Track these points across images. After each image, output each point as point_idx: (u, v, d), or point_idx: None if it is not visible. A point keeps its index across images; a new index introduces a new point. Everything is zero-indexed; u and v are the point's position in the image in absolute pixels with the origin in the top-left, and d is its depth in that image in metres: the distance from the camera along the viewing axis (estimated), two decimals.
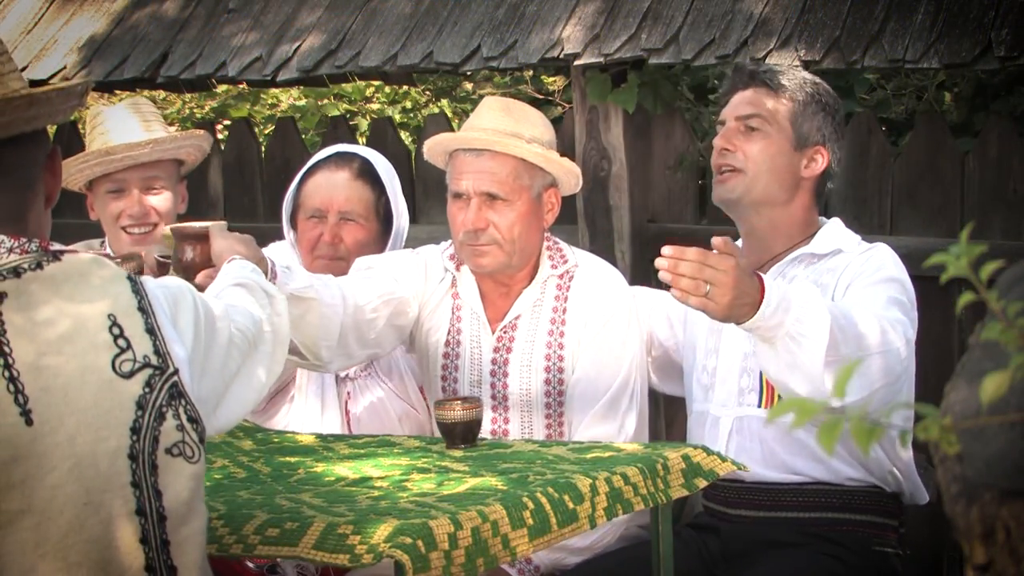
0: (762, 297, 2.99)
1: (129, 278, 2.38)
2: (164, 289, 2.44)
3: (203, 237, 3.15)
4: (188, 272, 3.11)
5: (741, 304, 2.98)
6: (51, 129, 5.84)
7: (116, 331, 2.31)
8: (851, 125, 5.03)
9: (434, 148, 3.58)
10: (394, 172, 3.88)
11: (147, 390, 2.32)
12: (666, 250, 2.98)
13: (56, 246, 2.37)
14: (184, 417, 2.36)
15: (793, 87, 3.52)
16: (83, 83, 2.47)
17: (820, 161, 3.52)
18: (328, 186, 3.79)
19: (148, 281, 2.43)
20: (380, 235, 3.82)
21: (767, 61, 4.50)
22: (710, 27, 4.69)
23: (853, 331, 3.09)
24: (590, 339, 3.55)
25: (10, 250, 2.31)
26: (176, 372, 2.36)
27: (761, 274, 3.05)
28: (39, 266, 2.31)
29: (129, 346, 2.32)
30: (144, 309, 2.35)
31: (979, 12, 4.40)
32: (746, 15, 4.67)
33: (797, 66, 4.13)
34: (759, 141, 3.50)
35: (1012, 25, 4.32)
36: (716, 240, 3.00)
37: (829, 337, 3.01)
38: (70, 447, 2.26)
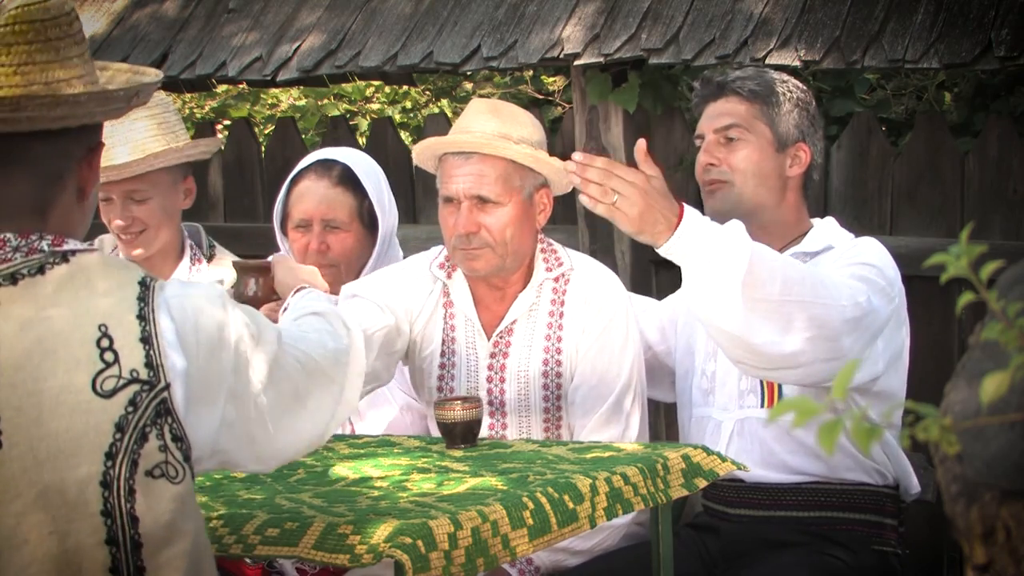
0: (679, 222, 3.00)
1: (140, 283, 2.25)
2: (185, 298, 2.28)
3: (265, 270, 3.19)
4: (251, 306, 3.09)
5: (654, 221, 2.99)
6: None
7: (105, 343, 2.20)
8: (851, 125, 5.03)
9: (423, 152, 3.55)
10: (380, 173, 3.86)
11: (130, 409, 2.20)
12: (576, 155, 3.01)
13: (70, 244, 2.24)
14: (168, 436, 2.23)
15: (764, 90, 3.50)
16: (126, 89, 2.30)
17: (803, 158, 3.51)
18: (309, 196, 3.79)
19: (170, 287, 2.29)
20: (367, 239, 3.82)
21: (767, 61, 4.51)
22: (710, 27, 4.69)
23: (783, 273, 3.06)
24: (589, 346, 3.52)
25: (16, 249, 2.21)
26: (167, 387, 2.23)
27: (683, 202, 3.05)
28: (40, 271, 2.21)
29: (116, 360, 2.20)
30: (144, 317, 2.22)
31: (979, 12, 4.40)
32: (746, 15, 4.67)
33: (763, 67, 4.11)
34: (741, 150, 3.48)
35: (1012, 25, 4.32)
36: (639, 143, 3.01)
37: (752, 270, 3.00)
38: (37, 474, 2.17)
